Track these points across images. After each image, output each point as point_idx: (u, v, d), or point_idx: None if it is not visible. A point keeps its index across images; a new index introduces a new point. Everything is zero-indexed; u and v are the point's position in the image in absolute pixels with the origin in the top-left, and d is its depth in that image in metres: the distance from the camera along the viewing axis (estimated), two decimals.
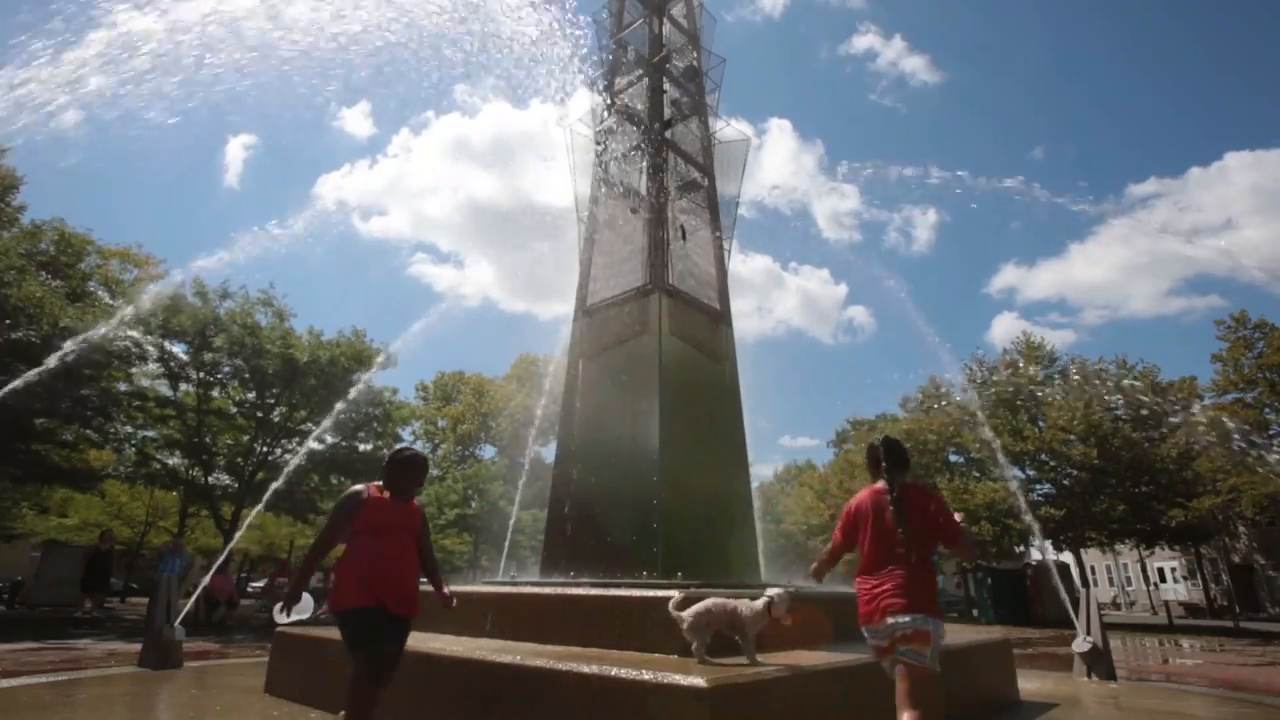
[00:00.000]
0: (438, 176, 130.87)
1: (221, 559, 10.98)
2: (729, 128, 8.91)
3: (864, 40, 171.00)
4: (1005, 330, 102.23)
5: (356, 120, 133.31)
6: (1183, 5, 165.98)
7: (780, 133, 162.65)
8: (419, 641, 4.48)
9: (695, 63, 8.91)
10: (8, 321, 13.72)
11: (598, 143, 8.00)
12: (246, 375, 19.46)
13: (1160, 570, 39.90)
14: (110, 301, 17.03)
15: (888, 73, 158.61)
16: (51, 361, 8.56)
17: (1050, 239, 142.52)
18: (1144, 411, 22.41)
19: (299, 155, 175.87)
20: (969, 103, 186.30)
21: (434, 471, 36.95)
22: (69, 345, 9.44)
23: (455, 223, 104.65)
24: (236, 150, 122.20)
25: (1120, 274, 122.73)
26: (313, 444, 17.96)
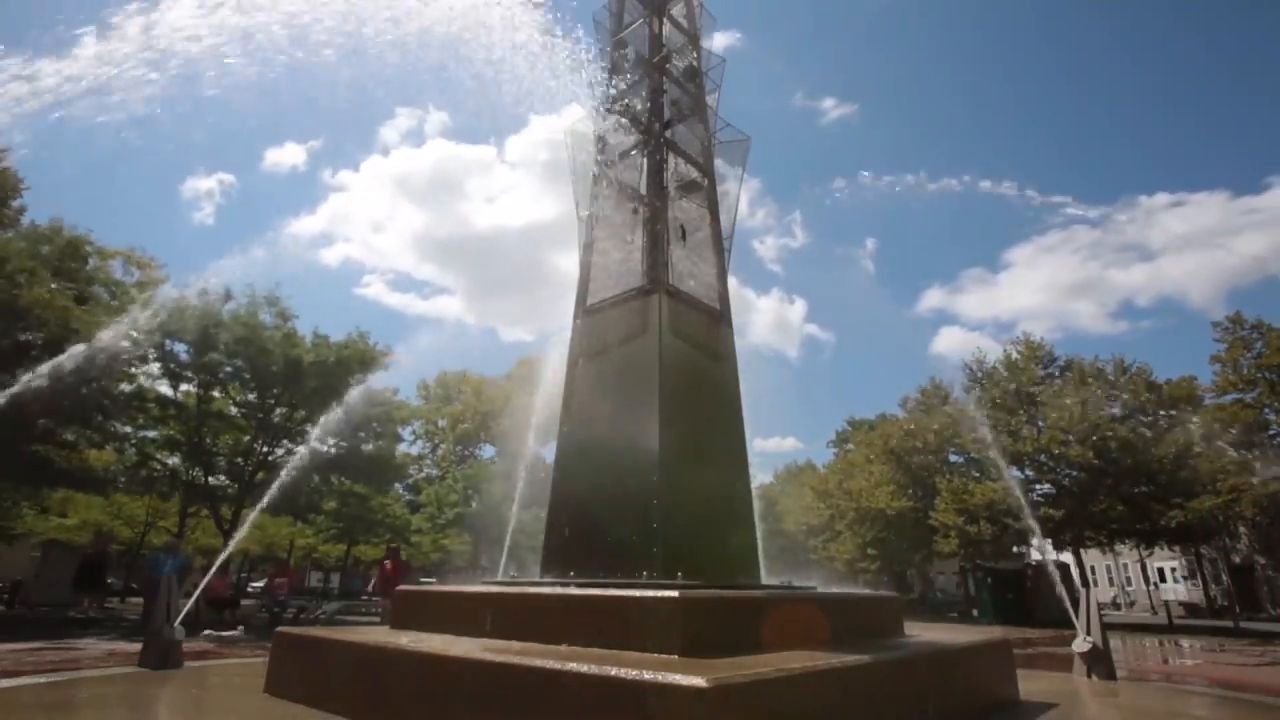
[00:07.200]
0: (393, 207, 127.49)
1: (220, 560, 10.96)
2: (729, 128, 8.92)
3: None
4: (950, 344, 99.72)
5: (295, 154, 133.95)
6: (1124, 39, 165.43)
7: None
8: (418, 641, 4.48)
9: (695, 63, 8.91)
10: (20, 324, 13.72)
11: (598, 143, 8.01)
12: (247, 376, 19.47)
13: (1160, 570, 39.90)
14: (113, 303, 17.02)
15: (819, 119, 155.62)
16: (79, 349, 8.56)
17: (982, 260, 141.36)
18: (1172, 412, 22.34)
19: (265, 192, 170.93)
20: (888, 139, 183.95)
21: (434, 471, 36.95)
22: (100, 342, 9.41)
23: (422, 249, 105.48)
24: (210, 185, 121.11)
25: (1057, 295, 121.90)
26: (313, 445, 17.94)
